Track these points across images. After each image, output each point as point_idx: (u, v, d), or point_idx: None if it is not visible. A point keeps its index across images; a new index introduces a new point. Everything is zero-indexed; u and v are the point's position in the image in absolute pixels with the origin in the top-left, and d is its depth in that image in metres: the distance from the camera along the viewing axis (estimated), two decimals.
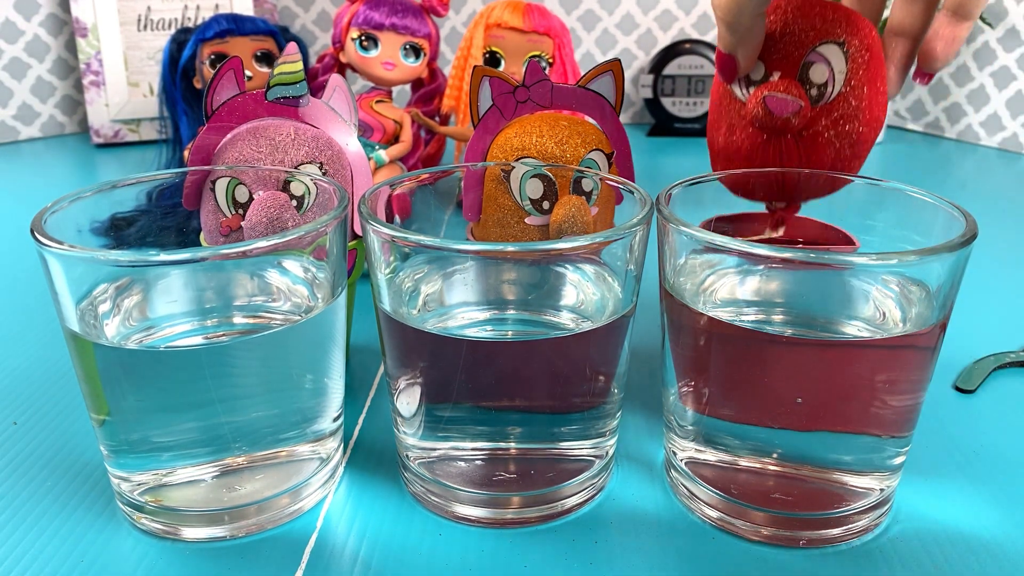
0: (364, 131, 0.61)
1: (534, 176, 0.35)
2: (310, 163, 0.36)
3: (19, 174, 0.80)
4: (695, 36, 0.96)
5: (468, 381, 0.30)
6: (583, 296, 0.32)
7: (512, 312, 0.33)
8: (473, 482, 0.31)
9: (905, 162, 0.84)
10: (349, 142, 0.38)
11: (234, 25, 0.64)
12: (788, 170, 0.33)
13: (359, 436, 0.37)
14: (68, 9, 0.88)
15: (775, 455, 0.29)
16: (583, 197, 0.35)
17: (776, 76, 0.32)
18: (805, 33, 0.32)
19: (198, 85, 0.64)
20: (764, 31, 0.32)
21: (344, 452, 0.35)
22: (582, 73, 0.42)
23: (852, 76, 0.32)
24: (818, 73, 0.32)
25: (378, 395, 0.40)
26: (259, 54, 0.65)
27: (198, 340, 0.33)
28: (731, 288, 0.32)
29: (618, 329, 0.30)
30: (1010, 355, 0.42)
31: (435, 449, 0.31)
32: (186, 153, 0.62)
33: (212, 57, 0.63)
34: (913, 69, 0.34)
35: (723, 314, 0.31)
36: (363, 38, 0.62)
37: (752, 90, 0.33)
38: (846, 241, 0.36)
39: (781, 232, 0.35)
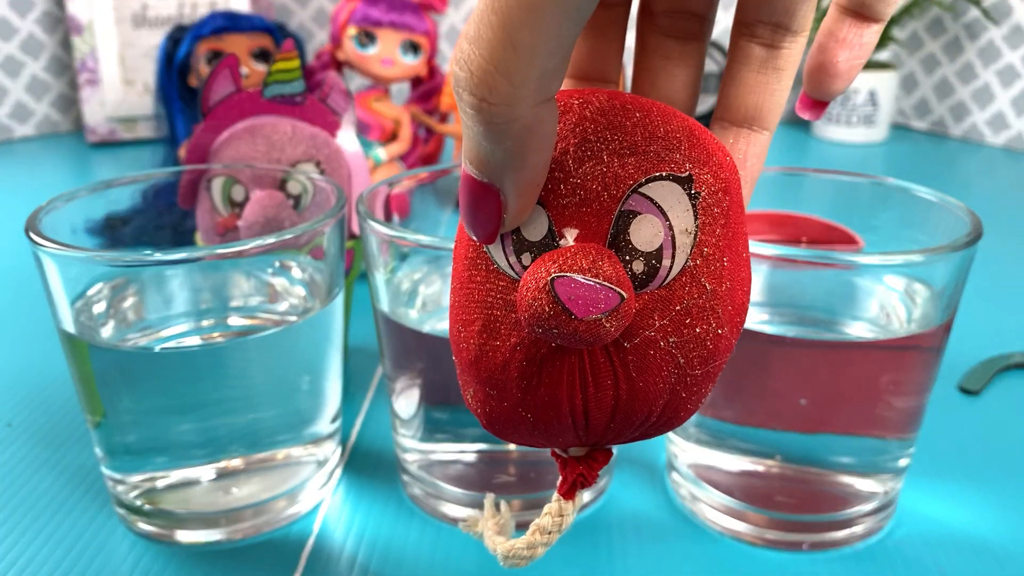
0: (362, 129, 0.61)
1: None
2: (307, 162, 0.35)
3: (13, 173, 0.80)
4: None
5: None
6: None
7: None
8: (472, 485, 0.31)
9: (910, 161, 0.84)
10: (346, 141, 0.37)
11: (231, 22, 0.63)
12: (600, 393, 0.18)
13: (357, 438, 0.36)
14: (63, 6, 0.88)
15: (778, 457, 0.29)
16: None
17: (571, 237, 0.17)
18: (619, 159, 0.17)
19: (194, 83, 0.64)
20: (555, 131, 0.17)
21: (342, 454, 0.35)
22: None
23: (705, 239, 0.17)
24: (645, 232, 0.17)
25: (376, 397, 0.40)
26: (256, 51, 0.65)
27: (194, 341, 0.32)
28: None
29: None
30: (1015, 356, 0.42)
31: (434, 451, 0.31)
32: (182, 152, 0.61)
33: (208, 55, 0.63)
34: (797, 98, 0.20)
35: None
36: (361, 35, 0.61)
37: (527, 260, 0.17)
38: (850, 241, 0.36)
39: (577, 505, 0.20)
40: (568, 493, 0.19)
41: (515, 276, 0.18)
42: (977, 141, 0.89)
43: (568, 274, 0.16)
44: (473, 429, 0.30)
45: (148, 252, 0.26)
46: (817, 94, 0.19)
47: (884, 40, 0.89)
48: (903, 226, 0.32)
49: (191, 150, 0.36)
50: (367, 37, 0.62)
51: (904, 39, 0.94)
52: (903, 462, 0.30)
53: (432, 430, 0.31)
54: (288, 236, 0.28)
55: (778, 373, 0.28)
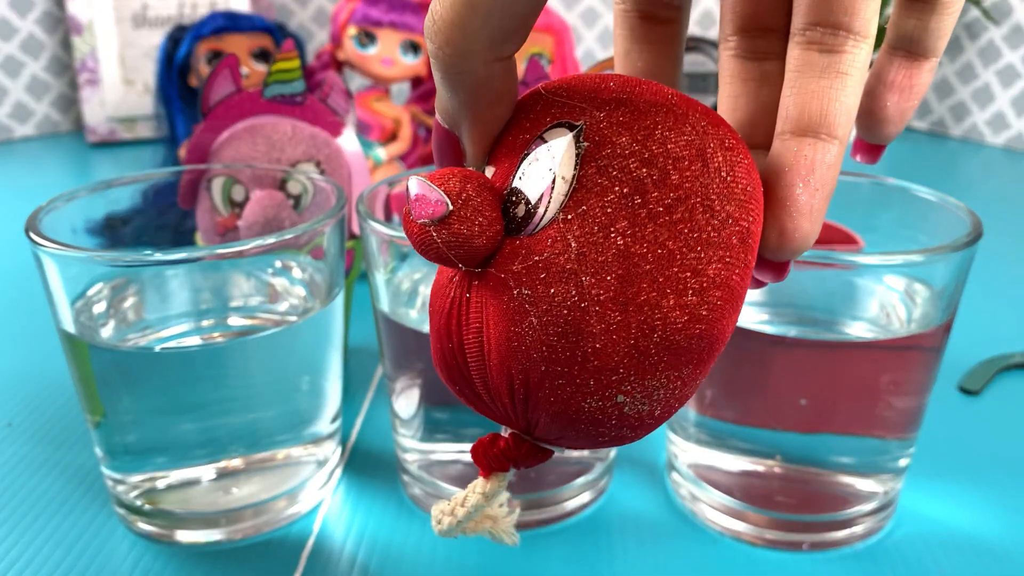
0: (362, 129, 0.61)
1: None
2: (307, 162, 0.35)
3: (13, 173, 0.80)
4: (698, 33, 0.96)
5: None
6: None
7: None
8: None
9: (910, 161, 0.84)
10: (347, 141, 0.37)
11: (231, 22, 0.63)
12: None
13: (357, 438, 0.36)
14: (63, 6, 0.88)
15: (778, 457, 0.29)
16: None
17: (489, 172, 0.18)
18: (549, 111, 0.17)
19: (194, 83, 0.64)
20: (514, 91, 0.18)
21: (342, 454, 0.35)
22: (583, 71, 0.42)
23: (586, 197, 0.16)
24: (534, 176, 0.17)
25: (376, 397, 0.40)
26: (256, 51, 0.65)
27: (194, 341, 0.32)
28: None
29: None
30: (1016, 356, 0.42)
31: (434, 451, 0.31)
32: (182, 152, 0.61)
33: (208, 55, 0.63)
34: (851, 142, 0.19)
35: None
36: (361, 35, 0.61)
37: None
38: (850, 240, 0.36)
39: (492, 488, 0.19)
40: (484, 471, 0.19)
41: None
42: (977, 141, 0.89)
43: (418, 177, 0.17)
44: (473, 429, 0.30)
45: (148, 252, 0.26)
46: (870, 138, 0.19)
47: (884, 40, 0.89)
48: (903, 226, 0.32)
49: (191, 150, 0.36)
50: (367, 37, 0.62)
51: None
52: (903, 462, 0.30)
53: (432, 430, 0.31)
54: (288, 236, 0.28)
55: (778, 373, 0.28)
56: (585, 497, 0.32)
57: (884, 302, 0.30)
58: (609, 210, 0.16)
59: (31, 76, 0.90)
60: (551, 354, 0.16)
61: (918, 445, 0.34)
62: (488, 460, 0.19)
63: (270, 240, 0.27)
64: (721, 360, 0.29)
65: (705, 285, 0.16)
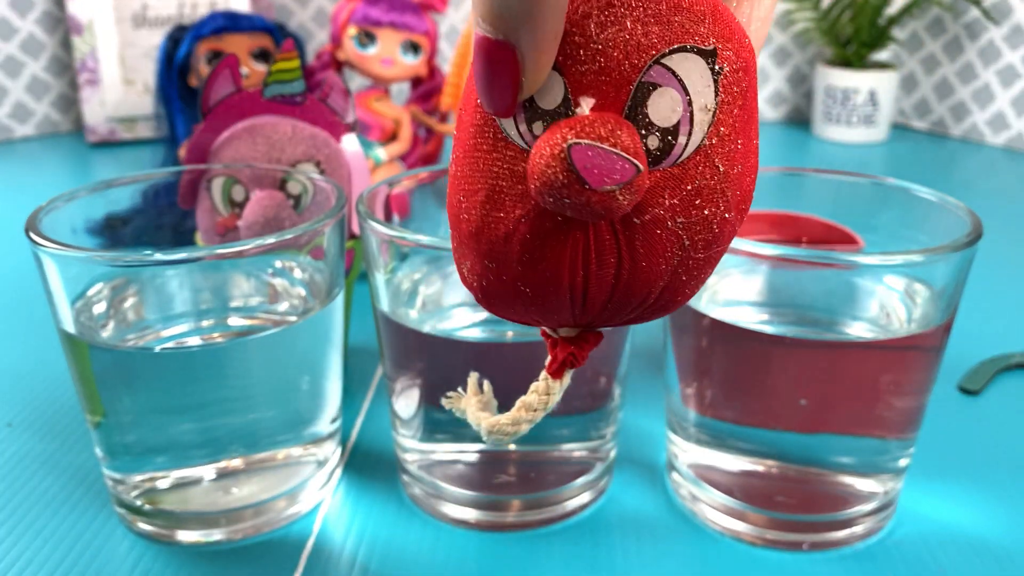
0: (362, 129, 0.61)
1: None
2: (307, 162, 0.35)
3: (13, 173, 0.80)
4: None
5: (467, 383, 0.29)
6: None
7: None
8: (472, 485, 0.31)
9: (910, 161, 0.84)
10: (347, 141, 0.37)
11: (231, 22, 0.63)
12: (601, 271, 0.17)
13: (357, 438, 0.36)
14: (63, 6, 0.88)
15: (778, 457, 0.29)
16: None
17: (587, 106, 0.16)
18: (642, 27, 0.16)
19: (194, 83, 0.64)
20: None
21: (342, 455, 0.35)
22: None
23: (723, 117, 0.17)
24: (664, 106, 0.16)
25: (376, 397, 0.40)
26: (256, 51, 0.65)
27: (194, 341, 0.32)
28: (734, 288, 0.31)
29: (619, 329, 0.30)
30: (1015, 356, 0.42)
31: (434, 451, 0.31)
32: (182, 152, 0.61)
33: (208, 55, 0.63)
34: None
35: (726, 314, 0.31)
36: (361, 35, 0.61)
37: (539, 129, 0.17)
38: (850, 240, 0.36)
39: (564, 385, 0.20)
40: (557, 372, 0.20)
41: (525, 146, 0.17)
42: (977, 141, 0.89)
43: (585, 141, 0.15)
44: (472, 429, 0.30)
45: (148, 252, 0.26)
46: None
47: (884, 40, 0.89)
48: (903, 226, 0.32)
49: (191, 150, 0.36)
50: (367, 37, 0.62)
51: (904, 39, 0.94)
52: (903, 462, 0.30)
53: (432, 430, 0.31)
54: (288, 236, 0.28)
55: (778, 373, 0.28)
56: (585, 497, 0.32)
57: (884, 302, 0.30)
58: (736, 124, 0.17)
59: (31, 76, 0.90)
60: (693, 266, 0.17)
61: (918, 445, 0.34)
62: (570, 360, 0.19)
63: (270, 240, 0.27)
64: (721, 360, 0.29)
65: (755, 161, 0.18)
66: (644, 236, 0.17)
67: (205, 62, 0.63)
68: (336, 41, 0.63)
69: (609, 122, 0.16)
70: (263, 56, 0.65)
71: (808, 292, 0.31)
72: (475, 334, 0.32)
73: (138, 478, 0.30)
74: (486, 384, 0.22)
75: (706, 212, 0.17)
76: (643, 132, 0.16)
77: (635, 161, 0.15)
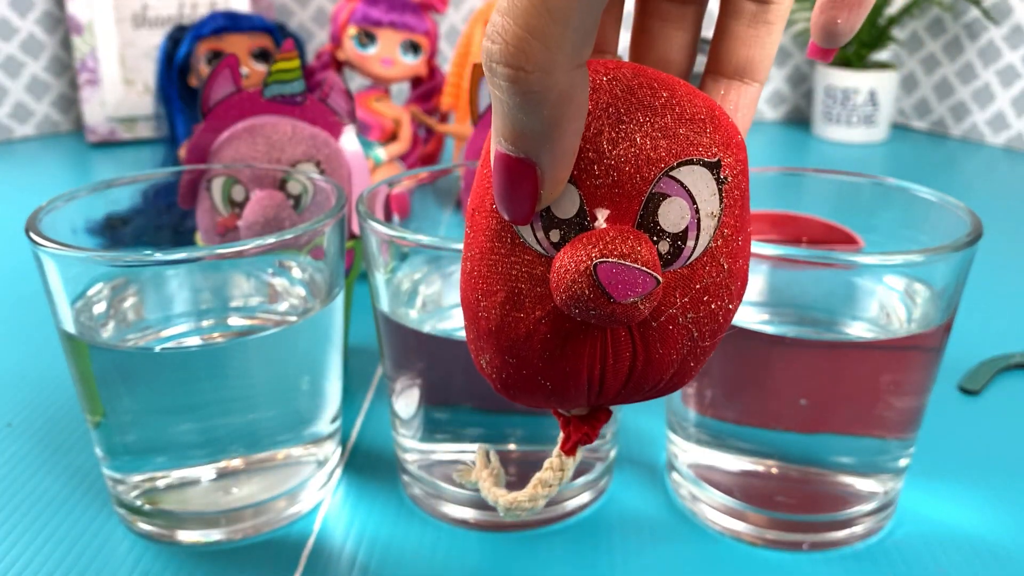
0: (362, 129, 0.61)
1: None
2: (307, 162, 0.35)
3: (14, 173, 0.80)
4: None
5: (467, 383, 0.29)
6: None
7: None
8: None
9: (910, 161, 0.84)
10: (347, 141, 0.37)
11: (231, 22, 0.63)
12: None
13: (357, 438, 0.36)
14: (63, 6, 0.88)
15: (778, 457, 0.29)
16: None
17: (602, 217, 0.17)
18: (651, 142, 0.17)
19: (194, 83, 0.64)
20: (587, 99, 0.17)
21: (342, 454, 0.35)
22: None
23: (727, 220, 0.18)
24: (673, 215, 0.17)
25: (376, 397, 0.40)
26: (256, 51, 0.65)
27: (194, 341, 0.32)
28: None
29: None
30: (1015, 356, 0.42)
31: (434, 451, 0.31)
32: (182, 152, 0.61)
33: (208, 55, 0.63)
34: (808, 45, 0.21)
35: None
36: (361, 35, 0.61)
37: (555, 236, 0.18)
38: (850, 241, 0.36)
39: (576, 461, 0.21)
40: (571, 451, 0.21)
41: (542, 251, 0.18)
42: (977, 141, 0.89)
43: (610, 259, 0.16)
44: (473, 429, 0.30)
45: (148, 252, 0.26)
46: (824, 44, 0.20)
47: (884, 40, 0.89)
48: (903, 226, 0.32)
49: (191, 150, 0.36)
50: (367, 37, 0.62)
51: (904, 39, 0.94)
52: (903, 462, 0.30)
53: (432, 430, 0.31)
54: (288, 236, 0.28)
55: (778, 373, 0.28)
56: (585, 497, 0.32)
57: (884, 302, 0.30)
58: (737, 224, 0.18)
59: (31, 76, 0.90)
60: (700, 353, 0.19)
61: (918, 445, 0.34)
62: (583, 439, 0.20)
63: (270, 240, 0.27)
64: (721, 360, 0.29)
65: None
66: (658, 333, 0.18)
67: (205, 62, 0.63)
68: (336, 41, 0.63)
69: (629, 238, 0.17)
70: (263, 56, 0.65)
71: (808, 292, 0.31)
72: None
73: (138, 478, 0.30)
74: (493, 455, 0.23)
75: (713, 306, 0.18)
76: (655, 238, 0.18)
77: (655, 274, 0.17)
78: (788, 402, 0.28)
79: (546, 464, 0.21)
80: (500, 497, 0.22)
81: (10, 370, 0.42)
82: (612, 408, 0.21)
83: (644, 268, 0.17)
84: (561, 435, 0.21)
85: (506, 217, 0.17)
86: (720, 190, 0.18)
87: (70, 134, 0.93)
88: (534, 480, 0.21)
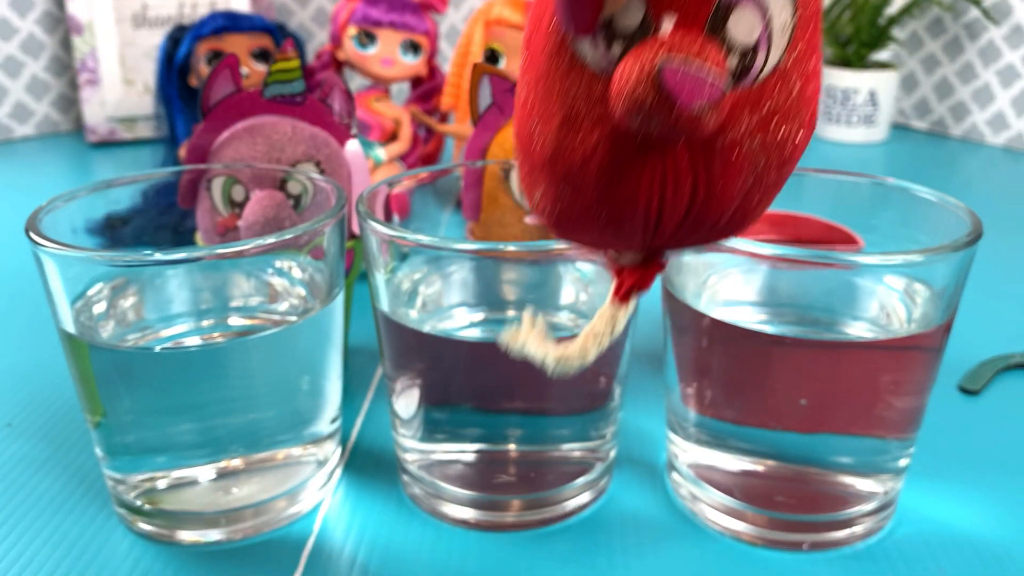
0: (362, 129, 0.61)
1: None
2: (307, 162, 0.35)
3: (14, 173, 0.80)
4: None
5: (467, 383, 0.30)
6: (584, 296, 0.32)
7: (512, 313, 0.32)
8: (472, 485, 0.31)
9: (910, 161, 0.84)
10: (350, 146, 0.37)
11: (231, 22, 0.63)
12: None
13: (357, 438, 0.36)
14: (63, 7, 0.88)
15: (778, 457, 0.29)
16: None
17: (669, 24, 0.16)
18: None
19: (194, 83, 0.64)
20: None
21: (342, 454, 0.35)
22: None
23: (799, 35, 0.17)
24: (744, 25, 0.16)
25: (376, 397, 0.40)
26: (256, 51, 0.65)
27: (194, 341, 0.32)
28: (734, 288, 0.31)
29: None
30: (1016, 356, 0.42)
31: (434, 451, 0.31)
32: (182, 152, 0.61)
33: (208, 55, 0.63)
34: None
35: (725, 314, 0.31)
36: (361, 35, 0.61)
37: (617, 49, 0.17)
38: (850, 240, 0.36)
39: (629, 310, 0.21)
40: (624, 298, 0.20)
41: (603, 67, 0.17)
42: (977, 141, 0.89)
43: (676, 61, 0.15)
44: (473, 429, 0.30)
45: (148, 252, 0.26)
46: None
47: (884, 40, 0.89)
48: (903, 226, 0.32)
49: (191, 150, 0.36)
50: (367, 37, 0.62)
51: (904, 39, 0.94)
52: (903, 462, 0.30)
53: (432, 430, 0.31)
54: (288, 236, 0.28)
55: (778, 373, 0.28)
56: (585, 497, 0.32)
57: (884, 302, 0.30)
58: (809, 44, 0.17)
59: (31, 76, 0.90)
60: (765, 187, 0.18)
61: (918, 445, 0.34)
62: (636, 287, 0.20)
63: (270, 240, 0.27)
64: (721, 360, 0.29)
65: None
66: (721, 159, 0.17)
67: (205, 62, 0.63)
68: (336, 41, 0.63)
69: (697, 41, 0.16)
70: (263, 56, 0.65)
71: (808, 292, 0.31)
72: (475, 334, 0.32)
73: (138, 478, 0.30)
74: (539, 316, 0.22)
75: (782, 132, 0.17)
76: (723, 50, 0.16)
77: (722, 81, 0.16)
78: (788, 402, 0.28)
79: (597, 314, 0.20)
80: (550, 351, 0.21)
81: (10, 370, 0.42)
82: (665, 259, 0.20)
83: (712, 73, 0.15)
84: (614, 283, 0.20)
85: (568, 28, 0.17)
86: (794, 2, 0.17)
87: (70, 134, 0.93)
88: (585, 331, 0.21)
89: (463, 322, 0.32)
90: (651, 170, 0.17)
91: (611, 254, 0.20)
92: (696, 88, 0.15)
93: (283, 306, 0.32)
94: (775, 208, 0.35)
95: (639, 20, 0.16)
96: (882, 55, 0.95)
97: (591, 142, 0.17)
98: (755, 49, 0.17)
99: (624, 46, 0.16)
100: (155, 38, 0.85)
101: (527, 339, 0.22)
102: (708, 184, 0.17)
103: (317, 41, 0.97)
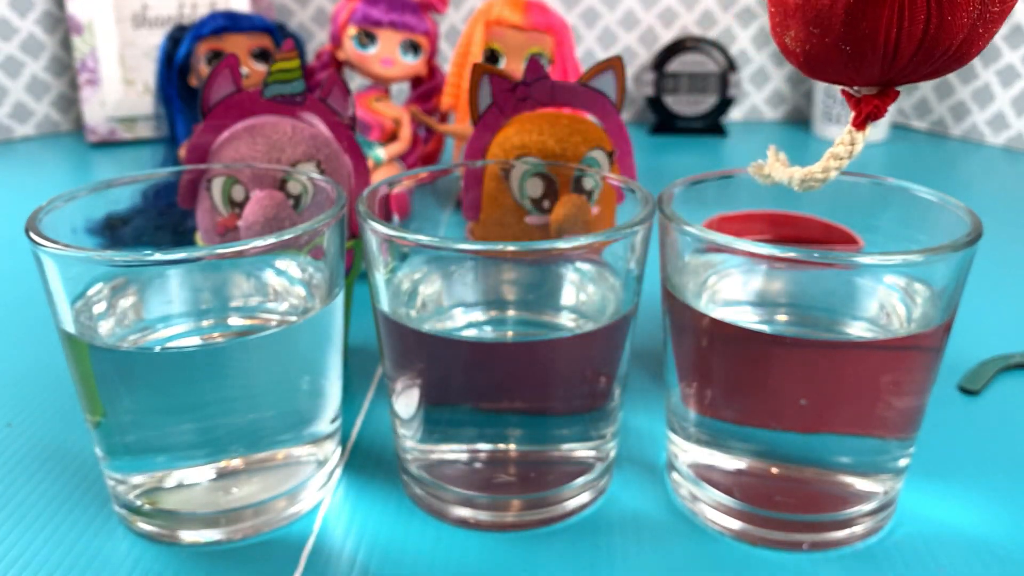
0: (362, 129, 0.61)
1: (534, 175, 0.35)
2: (307, 161, 0.35)
3: (13, 173, 0.80)
4: (697, 33, 0.96)
5: (467, 382, 0.30)
6: (584, 296, 0.32)
7: (512, 313, 0.32)
8: (472, 485, 0.31)
9: (909, 161, 0.84)
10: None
11: (231, 22, 0.63)
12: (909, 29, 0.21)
13: (357, 438, 0.36)
14: (63, 6, 0.88)
15: (778, 457, 0.29)
16: (584, 196, 0.35)
17: None
18: None
19: (194, 83, 0.64)
20: None
21: (342, 454, 0.35)
22: (583, 71, 0.42)
23: None
24: None
25: (376, 397, 0.40)
26: (256, 51, 0.65)
27: (194, 341, 0.32)
28: (733, 288, 0.31)
29: (619, 330, 0.30)
30: (1016, 356, 0.42)
31: (434, 451, 0.31)
32: (182, 152, 0.61)
33: (208, 55, 0.63)
34: None
35: (725, 314, 0.31)
36: (361, 35, 0.61)
37: None
38: (850, 240, 0.36)
39: (864, 136, 0.24)
40: (861, 125, 0.24)
41: None
42: (977, 141, 0.89)
43: None
44: (473, 429, 0.30)
45: (148, 252, 0.26)
46: None
47: None
48: (903, 226, 0.32)
49: (191, 150, 0.36)
50: (367, 37, 0.62)
51: None
52: (903, 462, 0.30)
53: (432, 430, 0.31)
54: (288, 236, 0.28)
55: (778, 373, 0.28)
56: (585, 497, 0.32)
57: (884, 302, 0.30)
58: None
59: (31, 76, 0.90)
60: (989, 19, 0.21)
61: (918, 445, 0.34)
62: (873, 112, 0.24)
63: (270, 240, 0.27)
64: (721, 360, 0.29)
65: None
66: None
67: (205, 62, 0.63)
68: (336, 41, 0.63)
69: None
70: (263, 56, 0.65)
71: (808, 292, 0.31)
72: (475, 334, 0.32)
73: (138, 478, 0.30)
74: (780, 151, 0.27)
75: None
76: None
77: None
78: (788, 402, 0.28)
79: (837, 140, 0.24)
80: (795, 173, 0.25)
81: (10, 370, 0.42)
82: (899, 89, 0.23)
83: None
84: (852, 113, 0.24)
85: None
86: None
87: (70, 134, 0.93)
88: (826, 155, 0.24)
89: (463, 322, 0.32)
90: (890, 8, 0.21)
91: (849, 89, 0.24)
92: None
93: (283, 306, 0.32)
94: (775, 208, 0.36)
95: None
96: None
97: None
98: None
99: None
100: (155, 38, 0.85)
101: (772, 168, 0.26)
102: (940, 16, 0.21)
103: (317, 41, 0.97)
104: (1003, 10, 0.21)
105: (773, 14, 0.24)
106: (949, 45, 0.21)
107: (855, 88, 0.24)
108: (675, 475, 0.33)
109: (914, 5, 0.21)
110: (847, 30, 0.21)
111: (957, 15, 0.21)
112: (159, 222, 0.39)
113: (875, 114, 0.24)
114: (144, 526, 0.30)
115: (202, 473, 0.30)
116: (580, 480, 0.31)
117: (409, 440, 0.31)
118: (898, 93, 0.24)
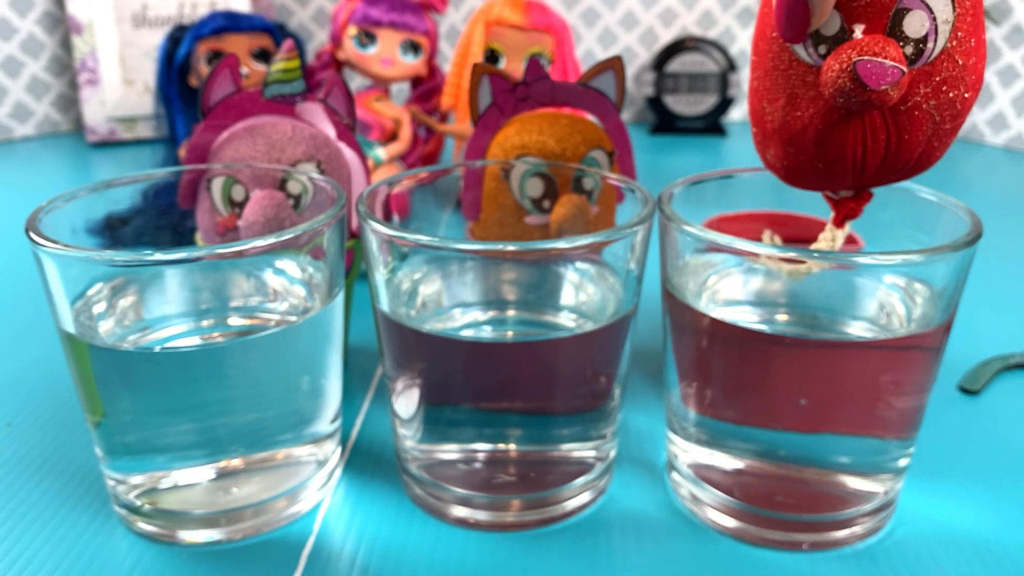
0: (362, 129, 0.61)
1: (534, 175, 0.35)
2: (307, 161, 0.35)
3: (13, 173, 0.80)
4: (697, 33, 0.96)
5: (467, 382, 0.30)
6: (584, 296, 0.32)
7: (512, 312, 0.32)
8: (472, 485, 0.31)
9: None
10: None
11: (231, 22, 0.63)
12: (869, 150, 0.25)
13: (357, 438, 0.36)
14: (63, 6, 0.88)
15: (778, 457, 0.29)
16: (584, 196, 0.35)
17: (859, 31, 0.24)
18: None
19: (194, 83, 0.64)
20: None
21: (342, 454, 0.35)
22: (583, 71, 0.42)
23: (959, 25, 0.24)
24: (915, 24, 0.23)
25: (376, 397, 0.40)
26: (256, 51, 0.65)
27: (194, 341, 0.32)
28: (733, 288, 0.31)
29: (619, 329, 0.30)
30: (1016, 356, 0.42)
31: (434, 451, 0.31)
32: (182, 151, 0.61)
33: (208, 55, 0.63)
34: None
35: (725, 314, 0.31)
36: (361, 35, 0.61)
37: (823, 50, 0.24)
38: (850, 240, 0.36)
39: (844, 233, 0.28)
40: (840, 223, 0.28)
41: (813, 62, 0.25)
42: (977, 141, 0.89)
43: (865, 57, 0.23)
44: (473, 429, 0.30)
45: (148, 252, 0.26)
46: None
47: None
48: (903, 226, 0.32)
49: (191, 150, 0.36)
50: (367, 37, 0.62)
51: None
52: (903, 462, 0.30)
53: (432, 430, 0.31)
54: (288, 236, 0.28)
55: (778, 373, 0.28)
56: (585, 497, 0.32)
57: (884, 302, 0.30)
58: (969, 28, 0.24)
59: (31, 76, 0.90)
60: (942, 135, 0.25)
61: (918, 445, 0.34)
62: (850, 213, 0.27)
63: (270, 240, 0.27)
64: (721, 360, 0.29)
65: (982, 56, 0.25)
66: (907, 117, 0.24)
67: (205, 62, 0.63)
68: (336, 41, 0.63)
69: (880, 41, 0.23)
70: (263, 56, 0.65)
71: (808, 292, 0.31)
72: (475, 334, 0.32)
73: (138, 478, 0.30)
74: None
75: (951, 94, 0.24)
76: (901, 43, 0.24)
77: (901, 67, 0.23)
78: (788, 402, 0.28)
79: (820, 237, 0.28)
80: (783, 267, 0.28)
81: (10, 370, 0.42)
82: (872, 191, 0.27)
83: (892, 63, 0.23)
84: (832, 214, 0.27)
85: (785, 40, 0.24)
86: (952, 3, 0.23)
87: (70, 134, 0.93)
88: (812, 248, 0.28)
89: (463, 322, 0.32)
90: (854, 131, 0.24)
91: (828, 193, 0.27)
92: (882, 75, 0.23)
93: (283, 306, 0.32)
94: (775, 208, 0.36)
95: (837, 28, 0.24)
96: None
97: (808, 115, 0.25)
98: (925, 39, 0.24)
99: (828, 47, 0.24)
100: (155, 38, 0.85)
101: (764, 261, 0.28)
102: (898, 136, 0.24)
103: (317, 41, 0.97)
104: (954, 127, 0.25)
105: (756, 134, 0.27)
106: (909, 158, 0.25)
107: (833, 192, 0.27)
108: (675, 475, 0.33)
109: (875, 128, 0.24)
110: (818, 150, 0.25)
111: (913, 134, 0.24)
112: (159, 222, 0.39)
113: (851, 215, 0.27)
114: (144, 526, 0.30)
115: (202, 473, 0.30)
116: (580, 480, 0.31)
117: (409, 440, 0.31)
118: (871, 195, 0.27)
